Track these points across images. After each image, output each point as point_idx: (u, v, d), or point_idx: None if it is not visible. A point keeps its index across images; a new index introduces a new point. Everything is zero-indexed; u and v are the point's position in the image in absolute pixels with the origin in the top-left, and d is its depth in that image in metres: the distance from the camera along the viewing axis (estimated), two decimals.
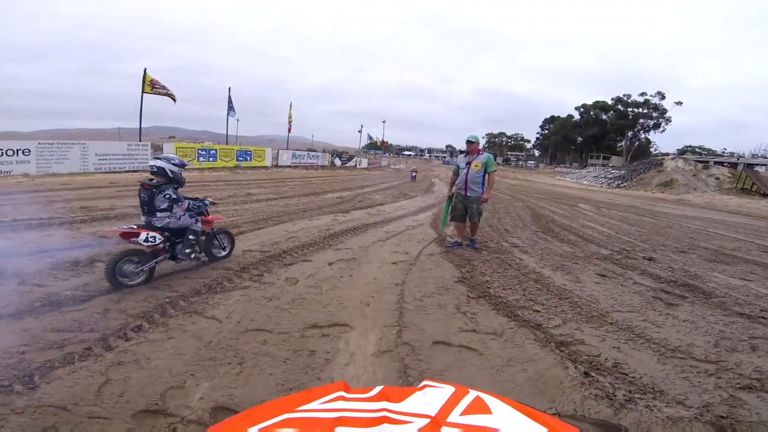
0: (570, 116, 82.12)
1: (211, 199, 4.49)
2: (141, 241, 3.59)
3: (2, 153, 11.06)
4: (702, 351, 3.02)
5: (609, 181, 39.69)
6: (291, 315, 3.23)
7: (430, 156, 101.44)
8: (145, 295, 3.44)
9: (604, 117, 74.92)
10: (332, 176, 21.73)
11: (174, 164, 3.86)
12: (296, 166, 25.29)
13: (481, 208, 5.81)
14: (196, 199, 4.24)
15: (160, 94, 16.24)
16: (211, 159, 18.68)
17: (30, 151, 11.73)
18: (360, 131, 46.69)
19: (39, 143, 12.27)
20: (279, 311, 3.29)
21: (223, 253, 4.59)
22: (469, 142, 5.65)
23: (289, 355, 2.64)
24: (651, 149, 71.95)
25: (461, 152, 6.08)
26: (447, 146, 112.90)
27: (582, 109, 78.33)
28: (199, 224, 4.09)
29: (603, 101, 75.22)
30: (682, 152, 62.69)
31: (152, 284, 3.71)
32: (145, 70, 15.63)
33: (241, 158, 20.69)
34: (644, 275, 5.22)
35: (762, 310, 3.98)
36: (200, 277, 4.00)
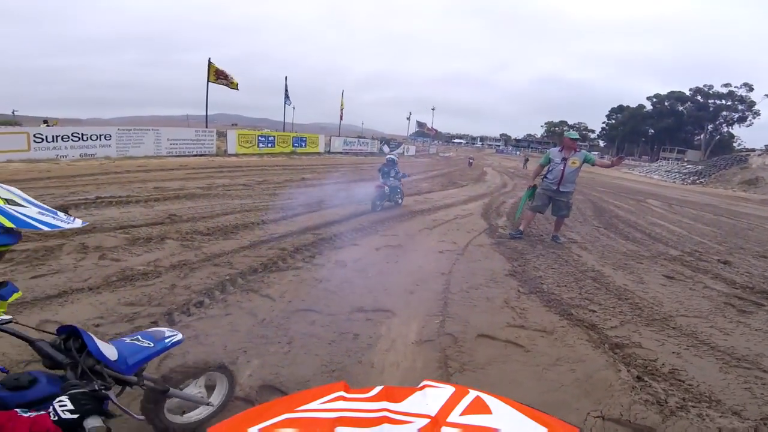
0: (641, 106, 75.86)
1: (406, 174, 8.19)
2: (384, 187, 7.39)
3: (87, 138, 12.35)
4: None
5: (683, 177, 36.20)
6: (338, 297, 3.33)
7: (482, 144, 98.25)
8: (208, 272, 3.67)
9: (681, 108, 68.51)
10: (381, 163, 21.81)
11: (394, 157, 8.11)
12: (347, 153, 25.73)
13: (570, 202, 5.87)
14: (398, 172, 7.82)
15: (222, 84, 17.15)
16: (269, 145, 19.62)
17: (111, 136, 12.98)
18: (408, 118, 46.20)
19: (118, 129, 13.58)
20: (327, 293, 3.41)
21: (401, 202, 7.90)
22: (571, 138, 5.73)
23: (335, 337, 2.73)
24: (734, 144, 64.42)
25: (553, 145, 6.45)
26: (501, 135, 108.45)
27: (655, 100, 72.32)
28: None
29: (680, 91, 68.99)
30: None
31: (214, 261, 3.98)
32: (209, 60, 16.54)
33: (296, 144, 21.53)
34: (717, 279, 4.76)
35: None
36: (258, 255, 4.24)
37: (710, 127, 64.50)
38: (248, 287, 3.44)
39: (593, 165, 5.87)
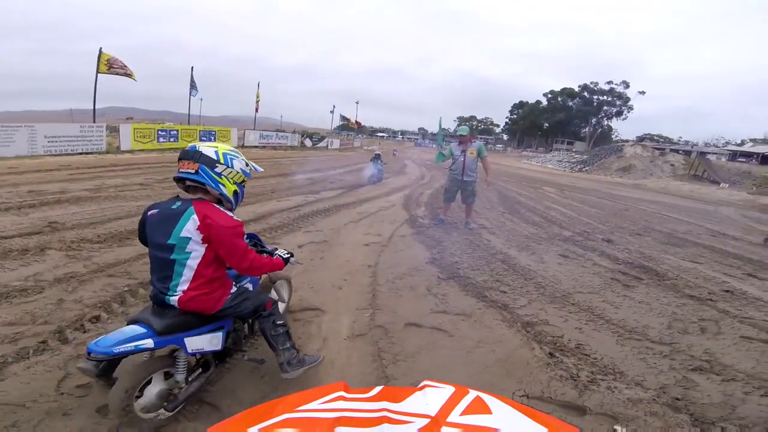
0: (538, 102, 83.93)
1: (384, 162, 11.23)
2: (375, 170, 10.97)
3: None
4: (657, 333, 3.18)
5: (572, 166, 41.21)
6: None
7: (402, 138, 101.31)
8: (103, 284, 3.24)
9: (571, 103, 77.15)
10: (302, 157, 21.22)
11: (380, 152, 11.96)
12: (264, 147, 24.47)
13: (475, 190, 6.42)
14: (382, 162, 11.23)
15: (117, 74, 15.17)
16: (172, 140, 17.72)
17: None
18: (332, 111, 45.70)
19: None
20: None
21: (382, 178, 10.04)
22: (461, 135, 6.28)
23: (261, 342, 2.57)
24: (612, 136, 75.03)
25: (452, 137, 6.91)
26: (419, 128, 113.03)
27: (550, 95, 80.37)
28: None
29: (570, 88, 77.25)
30: (641, 139, 66.02)
31: (109, 271, 3.50)
32: (100, 50, 14.48)
33: (204, 138, 19.71)
34: (603, 256, 5.48)
35: (710, 293, 4.24)
36: None
37: (594, 120, 73.83)
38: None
39: (482, 157, 6.30)
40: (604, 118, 74.54)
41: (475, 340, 2.80)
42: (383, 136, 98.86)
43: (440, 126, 7.61)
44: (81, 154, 13.14)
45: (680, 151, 46.04)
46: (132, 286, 3.23)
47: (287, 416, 0.66)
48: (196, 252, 1.73)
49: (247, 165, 1.97)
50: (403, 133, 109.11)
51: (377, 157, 12.19)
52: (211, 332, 1.87)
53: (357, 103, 50.70)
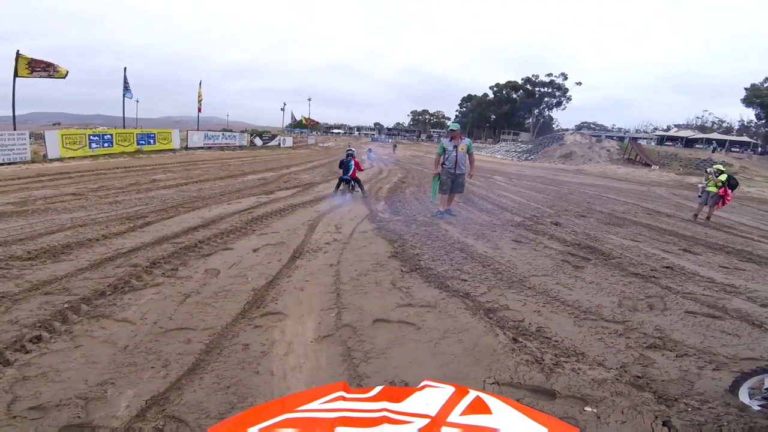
0: (485, 95, 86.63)
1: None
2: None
3: None
4: (609, 312, 3.33)
5: (519, 155, 43.25)
6: (215, 309, 2.97)
7: (359, 134, 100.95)
8: (39, 303, 2.92)
9: (515, 96, 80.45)
10: (252, 157, 20.44)
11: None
12: (210, 147, 23.30)
13: (464, 181, 7.11)
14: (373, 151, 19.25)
15: (42, 76, 13.84)
16: (106, 145, 16.31)
17: None
18: (283, 109, 44.45)
19: None
20: (201, 306, 3.00)
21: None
22: (452, 130, 6.90)
23: (220, 351, 2.44)
24: (554, 125, 79.54)
25: (445, 135, 7.38)
26: (375, 124, 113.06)
27: (495, 89, 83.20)
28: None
29: (514, 81, 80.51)
30: (579, 128, 70.61)
31: (45, 289, 3.16)
32: (17, 52, 13.09)
33: (143, 142, 18.41)
34: (552, 239, 5.78)
35: (652, 270, 4.55)
36: (103, 276, 3.49)
37: (536, 111, 77.74)
38: (97, 313, 2.84)
39: (470, 153, 6.85)
40: (546, 109, 78.85)
41: (441, 331, 2.82)
42: (339, 133, 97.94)
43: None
44: (2, 164, 11.77)
45: (614, 138, 49.86)
46: (73, 303, 2.93)
47: (287, 416, 0.66)
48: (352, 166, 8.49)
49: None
50: (359, 128, 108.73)
51: (370, 150, 16.41)
52: (352, 181, 8.70)
53: (309, 99, 49.75)
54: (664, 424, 1.93)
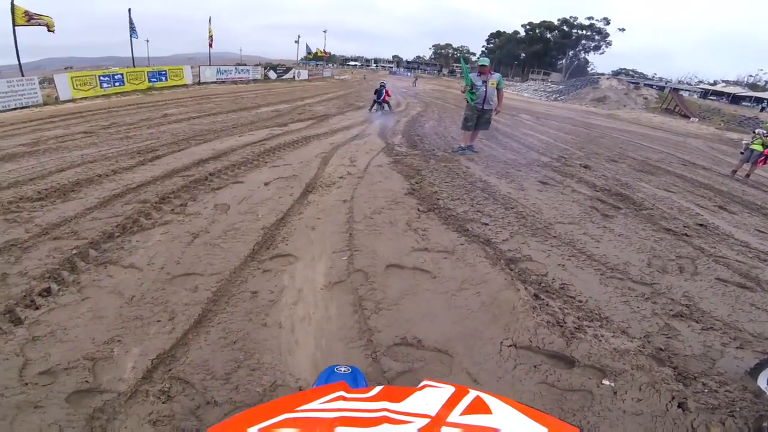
0: (516, 32, 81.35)
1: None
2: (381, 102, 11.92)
3: None
4: (637, 271, 3.05)
5: (548, 95, 40.55)
6: (224, 251, 2.84)
7: (376, 66, 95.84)
8: (48, 249, 2.81)
9: (549, 36, 75.17)
10: (267, 89, 19.62)
11: (385, 82, 12.63)
12: (223, 82, 22.45)
13: (491, 118, 6.66)
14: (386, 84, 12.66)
15: (39, 24, 13.54)
16: (117, 84, 15.87)
17: None
18: (297, 41, 41.89)
19: None
20: (209, 248, 2.88)
21: (388, 109, 12.15)
22: (482, 65, 6.34)
23: (227, 300, 2.34)
24: (588, 69, 73.98)
25: (473, 69, 6.63)
26: (393, 56, 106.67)
27: (528, 27, 77.92)
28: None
29: (549, 21, 75.12)
30: (616, 74, 65.00)
31: (54, 233, 3.08)
32: (11, 2, 12.67)
33: (154, 79, 17.83)
34: (581, 183, 5.38)
35: (685, 226, 4.17)
36: (112, 215, 3.38)
37: (571, 53, 72.56)
38: (105, 259, 2.72)
39: (500, 89, 6.43)
40: (582, 52, 73.65)
41: (458, 282, 2.64)
42: (356, 65, 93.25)
43: (463, 63, 6.85)
44: (14, 109, 11.69)
45: (654, 86, 45.95)
46: (81, 248, 2.83)
47: (287, 416, 0.66)
48: (383, 93, 11.83)
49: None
50: (376, 61, 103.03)
51: (383, 85, 12.56)
52: (383, 102, 11.78)
53: (325, 32, 46.39)
54: (679, 405, 1.77)
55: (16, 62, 14.19)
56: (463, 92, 6.48)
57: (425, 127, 9.38)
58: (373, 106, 12.07)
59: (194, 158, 5.13)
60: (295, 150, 5.93)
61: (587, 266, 3.05)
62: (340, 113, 10.85)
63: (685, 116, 30.82)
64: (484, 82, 6.23)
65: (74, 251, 2.80)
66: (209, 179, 4.32)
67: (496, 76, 6.40)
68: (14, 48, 13.40)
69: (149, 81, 17.56)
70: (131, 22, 18.59)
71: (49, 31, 14.13)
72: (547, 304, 2.48)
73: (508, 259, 3.00)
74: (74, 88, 14.06)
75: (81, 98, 14.01)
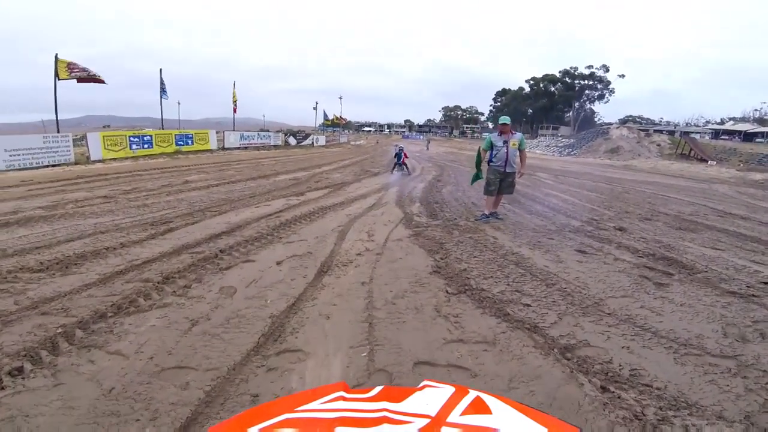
0: (521, 89, 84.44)
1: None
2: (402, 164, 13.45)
3: None
4: (714, 343, 2.63)
5: (560, 150, 41.06)
6: (224, 343, 2.45)
7: (389, 131, 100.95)
8: (32, 325, 2.58)
9: (553, 89, 77.77)
10: (286, 156, 20.41)
11: (402, 146, 14.41)
12: (246, 147, 23.56)
13: (515, 181, 6.26)
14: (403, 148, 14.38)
15: (82, 78, 14.30)
16: (146, 146, 16.75)
17: None
18: (315, 108, 44.69)
19: None
20: (207, 338, 2.50)
21: (407, 171, 13.46)
22: (503, 124, 5.97)
23: (223, 403, 1.92)
24: (595, 119, 75.92)
25: (494, 130, 6.97)
26: (405, 121, 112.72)
27: (532, 82, 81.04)
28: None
29: (552, 74, 78.03)
30: (624, 122, 66.71)
31: (43, 308, 2.82)
32: (56, 56, 13.64)
33: (181, 143, 18.81)
34: (622, 249, 4.92)
35: (749, 287, 3.71)
36: (109, 293, 3.10)
37: (576, 104, 74.56)
38: (90, 342, 2.43)
39: (521, 150, 6.07)
40: (587, 102, 75.77)
41: (506, 380, 2.16)
42: (370, 131, 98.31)
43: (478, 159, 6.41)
44: (47, 166, 12.21)
45: (663, 132, 46.77)
46: (67, 327, 2.56)
47: (287, 416, 0.66)
48: (402, 155, 13.58)
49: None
50: (389, 126, 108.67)
51: (401, 150, 14.29)
52: (402, 164, 13.41)
53: (340, 98, 49.76)
54: None
55: (50, 117, 14.97)
56: (483, 158, 6.22)
57: (443, 193, 9.21)
58: (394, 168, 13.66)
59: (207, 232, 4.93)
60: (311, 223, 5.69)
61: (655, 345, 2.58)
62: (357, 180, 10.88)
63: (703, 160, 30.50)
64: (505, 142, 5.90)
65: (59, 330, 2.52)
66: (219, 257, 4.06)
67: (518, 135, 6.05)
68: (61, 103, 14.08)
69: (176, 144, 18.45)
70: (162, 83, 19.72)
71: (97, 81, 14.74)
72: (619, 397, 2.03)
73: (562, 347, 2.51)
74: (105, 148, 14.76)
75: (111, 159, 14.67)
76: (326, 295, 3.22)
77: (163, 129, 19.66)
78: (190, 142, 19.43)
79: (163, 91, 19.61)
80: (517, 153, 6.01)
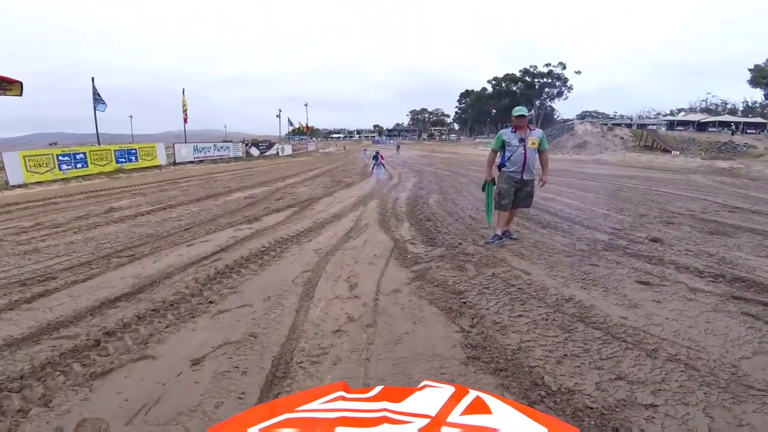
0: (484, 89, 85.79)
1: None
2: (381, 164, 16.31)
3: None
4: None
5: None
6: None
7: (359, 137, 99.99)
8: None
9: (514, 88, 79.43)
10: (247, 169, 18.41)
11: (377, 150, 19.14)
12: (201, 161, 21.35)
13: (533, 191, 4.81)
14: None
15: (5, 91, 11.84)
16: (79, 165, 14.30)
17: None
18: (278, 116, 42.46)
19: None
20: None
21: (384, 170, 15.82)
22: (520, 116, 4.52)
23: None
24: (555, 116, 78.12)
25: (506, 126, 4.98)
26: (375, 126, 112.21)
27: (494, 82, 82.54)
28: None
29: (512, 74, 79.77)
30: (582, 117, 68.81)
31: None
32: None
33: (123, 159, 16.36)
34: (683, 271, 3.78)
35: None
36: None
37: (537, 103, 76.22)
38: None
39: (542, 151, 4.66)
40: (547, 100, 77.60)
41: None
42: (339, 137, 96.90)
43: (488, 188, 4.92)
44: None
45: (621, 125, 48.40)
46: None
47: (287, 416, 0.63)
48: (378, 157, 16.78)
49: None
50: (359, 131, 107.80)
51: (377, 153, 16.92)
52: (381, 164, 16.25)
53: (306, 105, 47.70)
54: None
55: (4, 136, 12.33)
56: (493, 163, 4.78)
57: (431, 205, 7.74)
58: (373, 168, 15.59)
59: (97, 296, 3.23)
60: (262, 270, 3.94)
61: None
62: (328, 194, 9.25)
63: (666, 150, 31.56)
64: (522, 140, 4.48)
65: None
66: (95, 351, 2.38)
67: (538, 132, 4.63)
68: (6, 122, 11.77)
69: (117, 162, 15.98)
70: (95, 92, 16.91)
71: (14, 95, 12.30)
72: None
73: None
74: (27, 171, 12.31)
75: (35, 183, 12.24)
76: None
77: (99, 144, 17.06)
78: (133, 158, 17.01)
79: (96, 101, 16.80)
80: (536, 155, 4.59)
